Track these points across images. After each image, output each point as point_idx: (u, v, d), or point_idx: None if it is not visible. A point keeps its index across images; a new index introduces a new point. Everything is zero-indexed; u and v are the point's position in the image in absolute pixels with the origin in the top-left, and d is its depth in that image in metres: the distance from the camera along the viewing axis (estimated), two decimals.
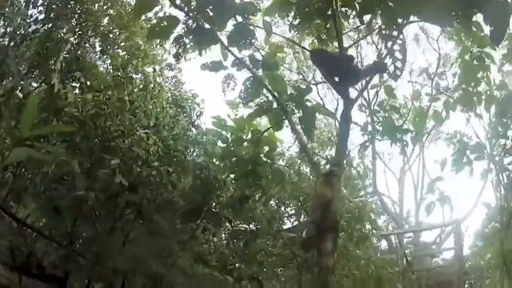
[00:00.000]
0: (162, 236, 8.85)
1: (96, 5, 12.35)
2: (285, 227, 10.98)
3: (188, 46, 7.18)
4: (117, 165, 7.59)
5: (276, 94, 7.03)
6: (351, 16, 6.98)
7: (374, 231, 11.24)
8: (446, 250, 17.13)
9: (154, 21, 7.79)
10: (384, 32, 5.84)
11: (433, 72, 17.26)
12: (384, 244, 17.22)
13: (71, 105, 8.61)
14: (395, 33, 5.86)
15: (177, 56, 7.27)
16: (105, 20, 12.66)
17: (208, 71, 7.43)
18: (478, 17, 5.94)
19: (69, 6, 11.75)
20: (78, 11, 11.98)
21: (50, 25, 11.30)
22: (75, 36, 12.00)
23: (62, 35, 11.17)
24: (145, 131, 8.69)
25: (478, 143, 11.84)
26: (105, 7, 12.58)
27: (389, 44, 5.81)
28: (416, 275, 14.20)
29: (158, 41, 13.02)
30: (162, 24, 6.87)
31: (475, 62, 9.67)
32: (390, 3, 5.66)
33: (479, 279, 16.12)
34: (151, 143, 8.46)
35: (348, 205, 9.96)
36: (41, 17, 11.44)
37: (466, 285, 14.93)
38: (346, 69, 6.59)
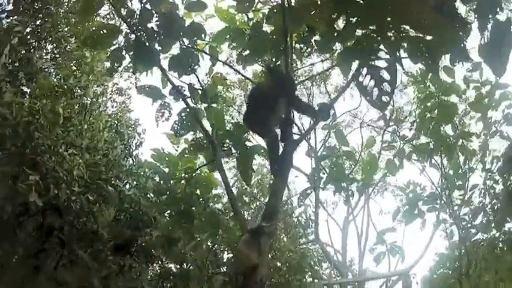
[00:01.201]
0: (83, 268, 8.12)
1: (60, 9, 11.71)
2: None
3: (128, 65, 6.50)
4: (35, 183, 6.78)
5: (208, 130, 6.31)
6: (305, 54, 6.40)
7: (316, 280, 10.57)
8: None
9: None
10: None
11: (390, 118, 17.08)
12: None
13: (4, 106, 7.86)
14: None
15: (111, 71, 6.56)
16: (65, 28, 12.02)
17: (146, 97, 6.73)
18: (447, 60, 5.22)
19: (35, 4, 11.03)
20: (43, 11, 11.30)
21: (14, 18, 10.54)
22: (35, 38, 11.33)
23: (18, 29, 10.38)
24: (71, 151, 7.92)
25: (432, 193, 11.53)
26: (69, 14, 11.92)
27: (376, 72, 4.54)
28: None
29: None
30: (101, 32, 6.13)
31: (436, 111, 9.32)
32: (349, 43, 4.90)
33: None
34: (74, 165, 7.66)
35: (287, 255, 9.28)
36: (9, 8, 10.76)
37: None
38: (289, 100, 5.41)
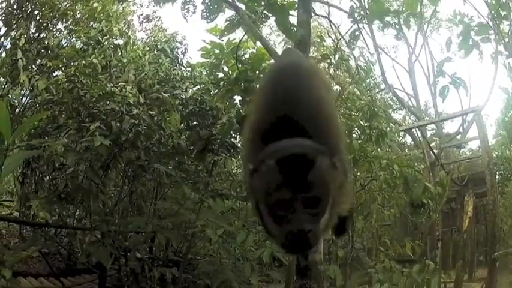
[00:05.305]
0: (173, 183, 8.37)
1: None
2: None
3: None
4: (96, 128, 6.95)
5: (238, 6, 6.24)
6: None
7: (393, 126, 10.44)
8: (471, 140, 16.60)
9: None
10: None
11: None
12: (409, 140, 16.68)
13: (43, 92, 8.27)
14: None
15: None
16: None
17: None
18: None
19: (23, 7, 11.06)
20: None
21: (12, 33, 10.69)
22: (42, 29, 11.44)
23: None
24: (121, 85, 8.08)
25: (480, 23, 10.94)
26: None
27: None
28: (445, 168, 13.74)
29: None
30: None
31: None
32: None
33: (509, 170, 15.76)
34: (126, 93, 7.84)
35: (357, 102, 9.12)
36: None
37: (497, 177, 14.60)
38: None
